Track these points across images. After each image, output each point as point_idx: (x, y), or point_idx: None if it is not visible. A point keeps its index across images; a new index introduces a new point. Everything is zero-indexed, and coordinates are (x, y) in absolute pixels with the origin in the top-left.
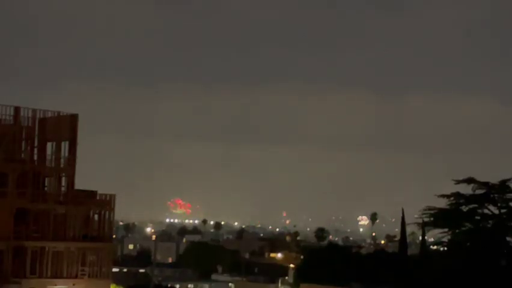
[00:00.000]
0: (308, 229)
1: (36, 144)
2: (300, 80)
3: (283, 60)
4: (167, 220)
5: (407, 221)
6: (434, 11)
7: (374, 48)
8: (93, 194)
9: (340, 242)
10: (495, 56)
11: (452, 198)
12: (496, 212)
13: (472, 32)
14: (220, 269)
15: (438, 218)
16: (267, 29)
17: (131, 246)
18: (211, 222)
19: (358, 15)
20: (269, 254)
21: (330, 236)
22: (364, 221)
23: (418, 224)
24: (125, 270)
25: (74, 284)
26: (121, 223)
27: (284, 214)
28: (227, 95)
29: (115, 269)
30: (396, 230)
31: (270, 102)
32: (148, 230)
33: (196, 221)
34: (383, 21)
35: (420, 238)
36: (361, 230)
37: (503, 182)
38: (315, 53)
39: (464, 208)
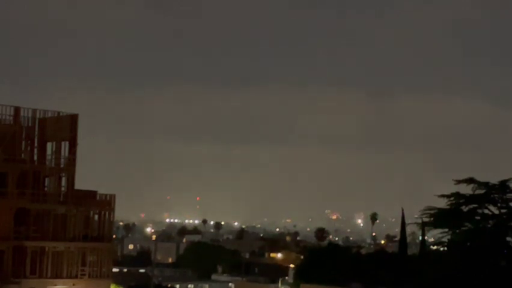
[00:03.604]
0: (308, 229)
1: (36, 144)
2: (299, 80)
3: (283, 60)
4: (167, 220)
5: (407, 221)
6: (427, 11)
7: (373, 49)
8: (93, 194)
9: (340, 242)
10: (489, 56)
11: (452, 198)
12: (496, 212)
13: (465, 32)
14: (220, 269)
15: (438, 218)
16: (265, 29)
17: (131, 246)
18: (211, 222)
19: (351, 15)
20: (269, 254)
21: (330, 236)
22: (361, 219)
23: (418, 224)
24: (125, 270)
25: (74, 284)
26: (121, 223)
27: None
28: (227, 95)
29: (115, 269)
30: (396, 230)
31: (269, 102)
32: (148, 230)
33: (196, 221)
34: (376, 21)
35: (420, 238)
36: (361, 225)
37: (503, 182)
38: (313, 53)
39: (464, 208)
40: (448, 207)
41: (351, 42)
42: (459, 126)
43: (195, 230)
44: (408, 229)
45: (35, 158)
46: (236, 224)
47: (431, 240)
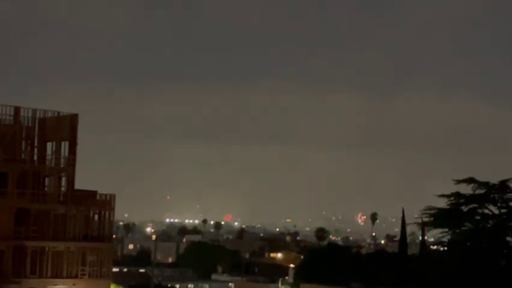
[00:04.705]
0: (308, 229)
1: (36, 144)
2: (299, 81)
3: (282, 60)
4: (167, 220)
5: (407, 221)
6: (427, 11)
7: (373, 49)
8: (93, 194)
9: (340, 242)
10: (483, 56)
11: (452, 198)
12: (496, 212)
13: (459, 32)
14: (220, 269)
15: (438, 218)
16: (264, 29)
17: (131, 246)
18: (211, 222)
19: (347, 15)
20: (269, 254)
21: (330, 236)
22: (362, 220)
23: (418, 224)
24: (125, 270)
25: (74, 284)
26: (121, 223)
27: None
28: (227, 95)
29: (115, 269)
30: (396, 230)
31: (269, 102)
32: (148, 230)
33: (196, 221)
34: (376, 21)
35: (420, 238)
36: (361, 224)
37: (503, 182)
38: (309, 53)
39: (464, 208)
40: (448, 207)
41: (351, 42)
42: (459, 127)
43: (195, 230)
44: (408, 229)
45: (35, 158)
46: (236, 224)
47: (431, 240)
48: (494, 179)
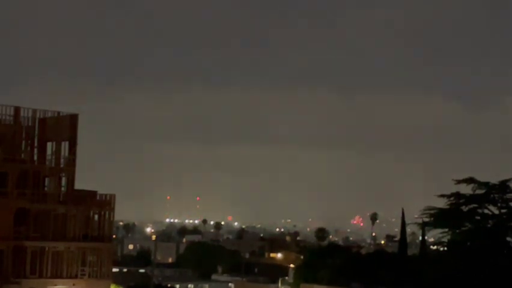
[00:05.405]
0: (308, 229)
1: (36, 144)
2: (302, 82)
3: (272, 60)
4: (167, 220)
5: (407, 221)
6: (400, 10)
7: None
8: (93, 194)
9: (340, 242)
10: (460, 55)
11: (452, 198)
12: (496, 212)
13: (438, 31)
14: (220, 269)
15: (438, 218)
16: (241, 30)
17: (131, 246)
18: (211, 222)
19: (324, 14)
20: (269, 254)
21: (330, 236)
22: (358, 222)
23: (418, 224)
24: (125, 270)
25: (74, 284)
26: (121, 223)
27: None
28: (225, 95)
29: (115, 269)
30: (396, 230)
31: (269, 102)
32: (148, 230)
33: (196, 221)
34: (352, 20)
35: (420, 238)
36: (360, 225)
37: (503, 182)
38: (323, 53)
39: (464, 208)
40: (448, 207)
41: (327, 41)
42: (458, 126)
43: (195, 230)
44: (409, 229)
45: (35, 158)
46: (236, 224)
47: (431, 240)
48: (494, 179)
